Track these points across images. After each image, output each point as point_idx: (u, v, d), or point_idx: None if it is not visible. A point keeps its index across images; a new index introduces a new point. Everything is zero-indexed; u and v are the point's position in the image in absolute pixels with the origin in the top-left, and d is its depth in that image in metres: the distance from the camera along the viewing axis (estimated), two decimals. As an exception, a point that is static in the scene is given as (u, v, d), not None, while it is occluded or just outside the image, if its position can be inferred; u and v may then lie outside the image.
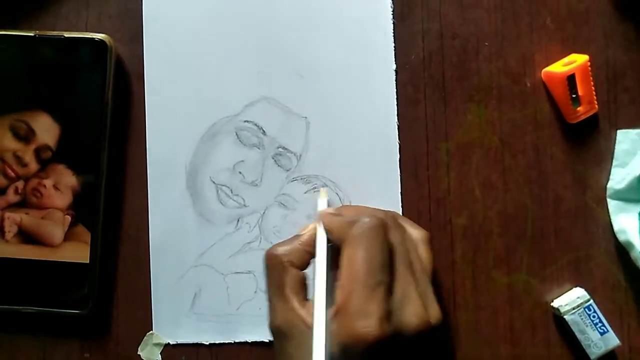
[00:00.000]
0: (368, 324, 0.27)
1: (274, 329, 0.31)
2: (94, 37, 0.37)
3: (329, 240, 0.32)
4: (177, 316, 0.37)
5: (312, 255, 0.32)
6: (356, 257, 0.29)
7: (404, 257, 0.30)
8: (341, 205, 0.36)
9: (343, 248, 0.30)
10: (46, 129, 0.37)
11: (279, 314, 0.30)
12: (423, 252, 0.33)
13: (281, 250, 0.32)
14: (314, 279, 0.30)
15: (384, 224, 0.30)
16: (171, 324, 0.37)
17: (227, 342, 0.37)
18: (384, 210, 0.33)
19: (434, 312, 0.30)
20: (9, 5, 0.38)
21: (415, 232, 0.33)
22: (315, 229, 0.32)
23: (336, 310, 0.28)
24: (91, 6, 0.38)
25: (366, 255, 0.29)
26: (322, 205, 0.35)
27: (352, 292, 0.28)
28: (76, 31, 0.37)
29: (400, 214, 0.37)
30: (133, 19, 0.38)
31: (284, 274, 0.31)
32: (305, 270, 0.32)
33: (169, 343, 0.37)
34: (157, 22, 0.38)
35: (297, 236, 0.33)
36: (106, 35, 0.37)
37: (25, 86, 0.37)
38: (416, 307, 0.29)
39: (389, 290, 0.29)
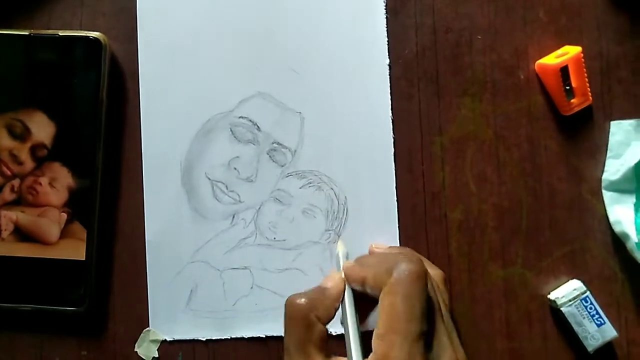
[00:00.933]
0: None
1: None
2: (88, 35, 0.37)
3: (358, 292, 0.31)
4: (174, 313, 0.37)
5: (337, 309, 0.31)
6: (397, 306, 0.27)
7: (436, 303, 0.29)
8: (360, 256, 0.34)
9: (382, 297, 0.28)
10: (42, 127, 0.37)
11: None
12: (443, 293, 0.32)
13: (306, 301, 0.30)
14: (345, 334, 0.30)
15: (423, 271, 0.29)
16: (168, 321, 0.37)
17: (223, 338, 0.37)
18: (399, 249, 0.32)
19: (461, 357, 0.29)
20: (3, 4, 0.38)
21: (433, 272, 0.33)
22: (342, 281, 0.31)
23: None
24: (85, 5, 0.38)
25: (408, 304, 0.27)
26: (342, 255, 0.34)
27: (394, 342, 0.27)
28: (70, 30, 0.38)
29: (396, 211, 0.37)
30: (127, 17, 0.38)
31: (309, 329, 0.29)
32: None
33: (165, 339, 0.37)
34: (151, 19, 0.38)
35: (321, 288, 0.31)
36: (100, 33, 0.37)
37: (20, 85, 0.37)
38: (450, 356, 0.28)
39: (429, 339, 0.28)
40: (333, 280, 0.32)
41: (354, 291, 0.31)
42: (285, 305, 0.30)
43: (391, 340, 0.27)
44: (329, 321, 0.30)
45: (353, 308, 0.31)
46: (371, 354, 0.28)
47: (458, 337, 0.30)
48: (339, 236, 0.37)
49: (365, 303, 0.31)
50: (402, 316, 0.27)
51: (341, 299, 0.31)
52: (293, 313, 0.30)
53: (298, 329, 0.29)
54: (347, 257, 0.35)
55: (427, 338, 0.28)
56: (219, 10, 0.38)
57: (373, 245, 0.36)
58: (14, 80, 0.37)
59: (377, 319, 0.28)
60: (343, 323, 0.31)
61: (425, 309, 0.28)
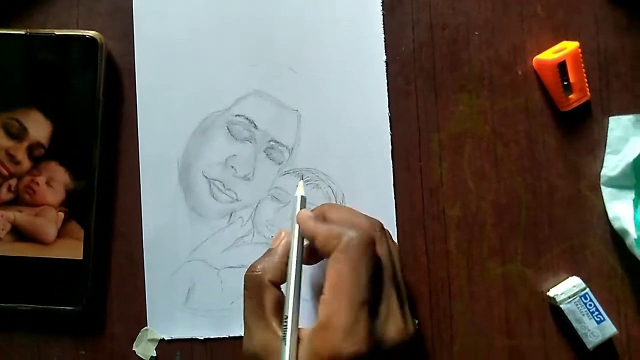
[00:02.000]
0: (353, 344, 0.27)
1: (250, 355, 0.30)
2: (84, 34, 0.37)
3: (302, 245, 0.31)
4: (172, 312, 0.37)
5: (287, 264, 0.31)
6: (343, 274, 0.28)
7: (389, 271, 0.30)
8: (323, 204, 0.35)
9: (329, 261, 0.29)
10: (38, 127, 0.37)
11: (257, 337, 0.30)
12: (398, 262, 0.33)
13: (259, 268, 0.31)
14: (286, 291, 0.30)
15: (371, 239, 0.29)
16: (166, 320, 0.37)
17: (221, 336, 0.37)
18: (370, 219, 0.33)
19: (411, 325, 0.31)
20: (0, 3, 0.38)
21: (392, 244, 0.33)
22: (287, 236, 0.32)
23: (319, 326, 0.28)
24: (82, 4, 0.38)
25: (354, 274, 0.28)
26: (299, 199, 0.33)
27: (338, 310, 0.28)
28: (67, 29, 0.38)
29: (394, 208, 0.37)
30: (123, 16, 0.38)
31: (264, 294, 0.30)
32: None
33: (163, 339, 0.37)
34: (147, 18, 0.38)
35: (270, 250, 0.32)
36: (97, 32, 0.37)
37: (16, 84, 0.37)
38: (398, 323, 0.29)
39: (375, 306, 0.29)
40: (278, 237, 0.32)
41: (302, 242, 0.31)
42: (244, 277, 0.31)
43: (335, 307, 0.28)
44: (283, 281, 0.31)
45: (296, 259, 0.31)
46: (315, 319, 0.28)
47: (410, 308, 0.31)
48: (302, 177, 0.37)
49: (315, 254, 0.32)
50: (347, 284, 0.28)
51: (288, 254, 0.31)
52: (250, 281, 0.31)
53: (253, 297, 0.30)
54: (305, 202, 0.33)
55: (373, 305, 0.28)
56: (216, 9, 0.38)
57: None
58: (10, 80, 0.37)
59: (324, 282, 0.29)
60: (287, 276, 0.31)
61: (372, 277, 0.29)
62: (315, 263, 0.34)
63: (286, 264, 0.31)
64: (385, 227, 0.33)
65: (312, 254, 0.32)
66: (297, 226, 0.32)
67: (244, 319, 0.31)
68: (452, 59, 0.38)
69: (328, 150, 0.38)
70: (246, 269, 0.32)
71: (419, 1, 0.38)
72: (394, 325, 0.29)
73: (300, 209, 0.33)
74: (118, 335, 0.38)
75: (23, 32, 0.37)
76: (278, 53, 0.38)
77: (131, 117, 0.38)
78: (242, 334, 0.37)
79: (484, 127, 0.38)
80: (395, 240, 0.37)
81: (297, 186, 0.34)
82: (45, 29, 0.37)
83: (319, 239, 0.30)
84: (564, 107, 0.37)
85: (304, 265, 0.32)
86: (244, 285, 0.31)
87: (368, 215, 0.33)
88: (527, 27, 0.38)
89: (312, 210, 0.33)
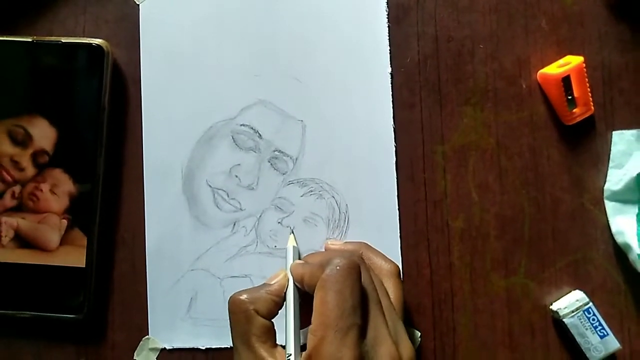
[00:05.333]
0: None
1: None
2: (91, 42, 0.37)
3: (300, 290, 0.31)
4: (173, 321, 0.37)
5: (280, 305, 0.31)
6: (328, 301, 0.28)
7: (374, 296, 0.30)
8: (310, 254, 0.35)
9: (315, 292, 0.29)
10: (43, 134, 0.37)
11: None
12: (392, 285, 0.33)
13: (247, 297, 0.31)
14: (285, 330, 0.30)
15: (354, 265, 0.29)
16: (167, 329, 0.37)
17: (223, 346, 0.37)
18: (353, 245, 0.33)
19: (406, 350, 0.30)
20: (7, 10, 0.38)
21: (386, 266, 0.33)
22: (284, 277, 0.32)
23: (308, 356, 0.28)
24: (88, 12, 0.38)
25: (338, 299, 0.28)
26: (290, 250, 0.34)
27: (325, 337, 0.27)
28: (73, 36, 0.38)
29: (397, 220, 0.37)
30: (130, 24, 0.38)
31: (249, 322, 0.30)
32: (273, 320, 0.31)
33: (165, 348, 0.37)
34: (153, 27, 0.38)
35: (265, 285, 0.32)
36: (103, 40, 0.37)
37: (22, 91, 0.37)
38: (389, 347, 0.28)
39: (362, 332, 0.28)
40: (276, 276, 0.33)
41: (301, 290, 0.32)
42: (228, 302, 0.31)
43: (322, 335, 0.27)
44: (272, 316, 0.31)
45: (293, 304, 0.31)
46: (305, 351, 0.28)
47: (405, 330, 0.31)
48: (292, 231, 0.37)
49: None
50: (332, 311, 0.28)
51: (283, 295, 0.31)
52: (233, 308, 0.31)
53: (239, 322, 0.30)
54: (298, 252, 0.35)
55: (360, 331, 0.28)
56: (222, 18, 0.38)
57: (328, 242, 0.37)
58: (16, 86, 0.37)
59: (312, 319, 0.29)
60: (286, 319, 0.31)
61: (357, 302, 0.28)
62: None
63: (276, 303, 0.31)
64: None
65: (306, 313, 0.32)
66: (292, 278, 0.32)
67: (233, 341, 0.31)
68: (457, 71, 0.38)
69: (332, 161, 0.38)
70: (232, 293, 0.31)
71: (425, 13, 0.38)
72: (384, 350, 0.28)
73: (293, 259, 0.34)
74: (119, 343, 0.37)
75: (30, 40, 0.37)
76: (283, 63, 0.38)
77: (136, 125, 0.38)
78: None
79: (488, 140, 0.38)
80: (400, 256, 0.37)
81: (288, 238, 0.35)
82: (51, 36, 0.37)
83: (306, 278, 0.30)
84: (568, 121, 0.37)
85: None
86: (229, 309, 0.31)
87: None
88: (531, 41, 0.38)
89: (302, 259, 0.34)
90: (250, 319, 0.30)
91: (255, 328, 0.30)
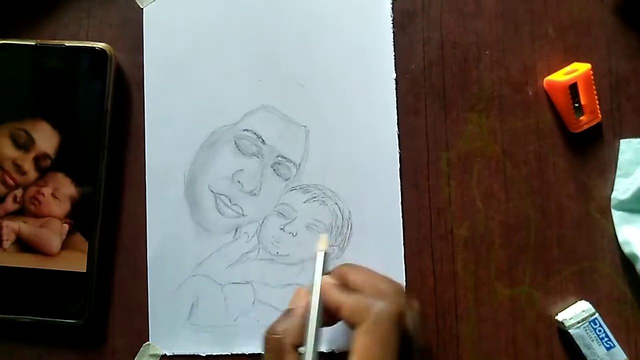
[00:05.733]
0: None
1: None
2: (94, 46, 0.37)
3: (329, 312, 0.30)
4: (174, 327, 0.37)
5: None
6: (372, 349, 0.28)
7: (416, 344, 0.29)
8: (341, 265, 0.33)
9: (357, 334, 0.28)
10: (46, 138, 0.37)
11: None
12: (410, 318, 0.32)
13: (280, 330, 0.30)
14: (306, 349, 0.29)
15: (400, 311, 0.29)
16: (168, 335, 0.37)
17: (224, 353, 0.37)
18: (393, 284, 0.31)
19: None
20: (11, 14, 0.38)
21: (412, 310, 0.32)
22: (307, 297, 0.31)
23: None
24: (92, 16, 0.38)
25: (383, 349, 0.28)
26: (320, 257, 0.32)
27: None
28: (77, 40, 0.38)
29: (401, 227, 0.37)
30: (133, 28, 0.38)
31: (285, 357, 0.29)
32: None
33: (165, 354, 0.37)
34: (157, 31, 0.38)
35: (290, 310, 0.31)
36: (106, 44, 0.37)
37: (25, 95, 0.37)
38: None
39: None
40: (299, 298, 0.31)
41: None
42: (263, 338, 0.30)
43: None
44: (303, 339, 0.30)
45: (315, 325, 0.30)
46: None
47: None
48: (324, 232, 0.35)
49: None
50: (375, 359, 0.27)
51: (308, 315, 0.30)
52: (269, 346, 0.30)
53: (275, 358, 0.30)
54: (327, 261, 0.32)
55: None
56: (225, 23, 0.38)
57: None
58: (19, 90, 0.37)
59: (350, 354, 0.28)
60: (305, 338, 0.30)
61: (398, 350, 0.28)
62: (332, 325, 0.32)
63: (304, 326, 0.30)
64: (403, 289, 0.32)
65: (329, 315, 0.31)
66: (318, 287, 0.31)
67: None
68: (462, 77, 0.37)
69: (336, 167, 0.37)
70: (265, 331, 0.31)
71: (430, 19, 0.38)
72: None
73: (323, 266, 0.32)
74: (119, 349, 0.37)
75: (33, 43, 0.37)
76: (287, 69, 0.38)
77: (139, 129, 0.38)
78: (245, 351, 0.37)
79: (493, 147, 0.37)
80: (403, 264, 0.36)
81: (318, 241, 0.32)
82: (55, 40, 0.37)
83: (345, 311, 0.29)
84: (575, 129, 0.36)
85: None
86: (264, 347, 0.30)
87: (389, 277, 0.31)
88: (538, 48, 0.37)
89: (331, 274, 0.32)
90: (286, 356, 0.29)
91: None
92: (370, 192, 0.37)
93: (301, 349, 0.29)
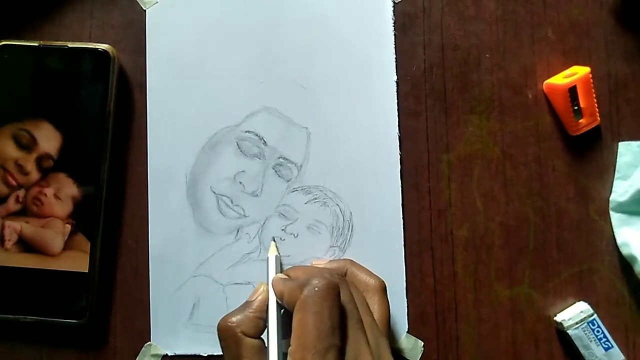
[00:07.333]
0: None
1: None
2: (97, 47, 0.37)
3: (281, 306, 0.31)
4: (176, 327, 0.37)
5: (266, 320, 0.31)
6: (306, 322, 0.28)
7: (354, 314, 0.30)
8: (292, 267, 0.35)
9: (294, 313, 0.29)
10: (48, 138, 0.37)
11: None
12: (377, 302, 0.33)
13: (233, 320, 0.31)
14: (267, 346, 0.30)
15: (333, 285, 0.29)
16: (169, 335, 0.37)
17: (225, 353, 0.37)
18: (337, 263, 0.33)
19: None
20: (14, 15, 0.38)
21: (370, 281, 0.33)
22: (265, 292, 0.32)
23: None
24: (95, 17, 0.38)
25: (316, 321, 0.28)
26: (272, 260, 0.34)
27: (303, 359, 0.27)
28: (80, 41, 0.38)
29: (401, 228, 0.37)
30: (136, 29, 0.38)
31: (239, 345, 0.30)
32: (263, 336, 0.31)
33: (166, 354, 0.37)
34: (160, 33, 0.38)
35: (247, 303, 0.32)
36: (109, 45, 0.37)
37: (28, 95, 0.37)
38: None
39: (341, 353, 0.28)
40: (257, 292, 0.33)
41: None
42: (217, 329, 0.31)
43: (300, 358, 0.27)
44: (260, 333, 0.31)
45: (275, 319, 0.31)
46: None
47: (389, 346, 0.30)
48: (274, 239, 0.37)
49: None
50: (310, 333, 0.28)
51: (266, 309, 0.31)
52: (222, 334, 0.31)
53: (230, 348, 0.31)
54: (280, 263, 0.35)
55: (339, 352, 0.28)
56: (227, 25, 0.38)
57: (313, 262, 0.37)
58: (22, 91, 0.37)
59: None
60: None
61: (336, 323, 0.28)
62: None
63: (260, 318, 0.31)
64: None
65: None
66: (273, 292, 0.32)
67: None
68: (462, 80, 0.38)
69: (337, 168, 0.38)
70: (220, 319, 0.31)
71: (431, 22, 0.38)
72: None
73: (275, 268, 0.34)
74: (121, 349, 0.37)
75: (36, 44, 0.37)
76: (288, 70, 0.38)
77: (141, 130, 0.38)
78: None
79: (493, 149, 0.38)
80: (403, 265, 0.36)
81: (269, 248, 0.35)
82: (58, 41, 0.37)
83: (285, 297, 0.30)
84: (574, 132, 0.37)
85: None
86: (219, 335, 0.31)
87: (328, 267, 0.34)
88: (537, 51, 0.38)
89: (284, 272, 0.34)
90: (240, 343, 0.30)
91: (246, 351, 0.30)
92: (371, 194, 0.37)
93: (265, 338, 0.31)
